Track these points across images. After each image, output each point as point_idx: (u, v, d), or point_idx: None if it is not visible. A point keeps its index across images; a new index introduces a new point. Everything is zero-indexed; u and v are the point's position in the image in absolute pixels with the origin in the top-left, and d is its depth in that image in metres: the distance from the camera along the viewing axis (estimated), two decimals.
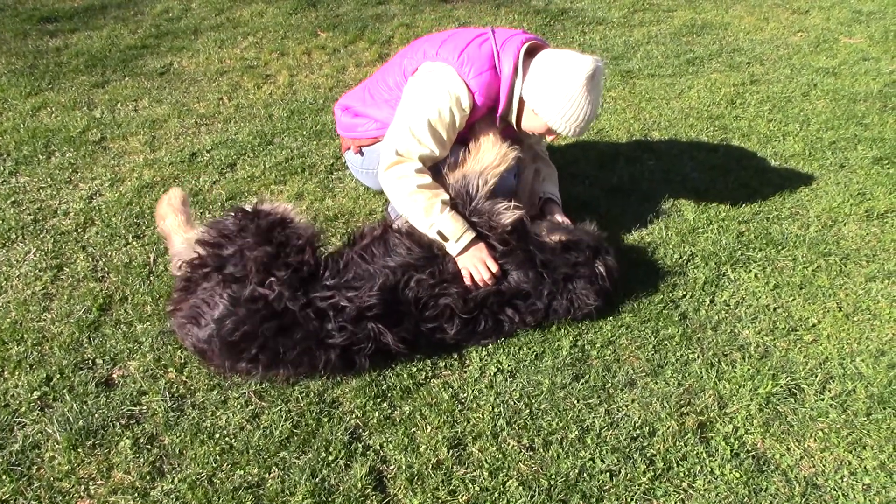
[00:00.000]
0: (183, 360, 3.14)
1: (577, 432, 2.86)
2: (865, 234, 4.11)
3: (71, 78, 5.80)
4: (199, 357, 3.06)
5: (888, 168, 4.77)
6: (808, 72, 6.25)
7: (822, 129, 5.26)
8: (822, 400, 3.04)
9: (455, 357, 3.22)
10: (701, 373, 3.15)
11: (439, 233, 3.21)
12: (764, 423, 2.93)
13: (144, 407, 2.93)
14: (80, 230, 4.00)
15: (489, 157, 3.43)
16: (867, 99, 5.74)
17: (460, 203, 3.34)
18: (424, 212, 3.20)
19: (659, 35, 7.08)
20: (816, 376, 3.15)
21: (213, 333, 2.93)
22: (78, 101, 5.43)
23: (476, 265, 3.22)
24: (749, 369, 3.17)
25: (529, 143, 3.94)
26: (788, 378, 3.12)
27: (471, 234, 3.22)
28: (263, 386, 3.03)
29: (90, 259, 3.74)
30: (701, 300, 3.57)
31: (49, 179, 4.47)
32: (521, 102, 3.39)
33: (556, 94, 3.23)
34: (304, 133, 5.04)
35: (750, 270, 3.78)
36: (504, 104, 3.39)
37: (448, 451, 2.77)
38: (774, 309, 3.54)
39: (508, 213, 3.34)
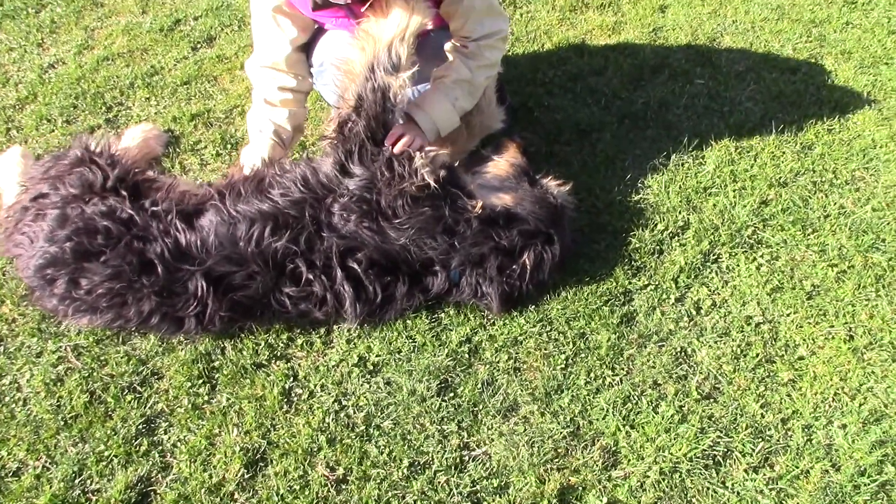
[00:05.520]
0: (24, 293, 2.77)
1: (404, 470, 2.26)
2: None
3: None
4: (31, 294, 2.68)
5: None
6: None
7: None
8: (753, 481, 2.22)
9: (320, 334, 2.64)
10: (607, 409, 2.39)
11: None
12: (655, 503, 2.18)
13: None
14: (17, 108, 3.67)
15: (390, 25, 2.60)
16: None
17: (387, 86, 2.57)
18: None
19: None
20: (763, 442, 2.30)
21: (32, 264, 2.53)
22: None
23: None
24: (674, 414, 2.37)
25: None
26: (720, 438, 2.31)
27: None
28: (89, 340, 2.62)
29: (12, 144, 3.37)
30: (664, 297, 2.72)
31: (23, 39, 4.16)
32: None
33: None
34: None
35: (753, 259, 2.84)
36: None
37: (241, 469, 2.27)
38: (758, 324, 2.63)
39: (428, 163, 2.62)
